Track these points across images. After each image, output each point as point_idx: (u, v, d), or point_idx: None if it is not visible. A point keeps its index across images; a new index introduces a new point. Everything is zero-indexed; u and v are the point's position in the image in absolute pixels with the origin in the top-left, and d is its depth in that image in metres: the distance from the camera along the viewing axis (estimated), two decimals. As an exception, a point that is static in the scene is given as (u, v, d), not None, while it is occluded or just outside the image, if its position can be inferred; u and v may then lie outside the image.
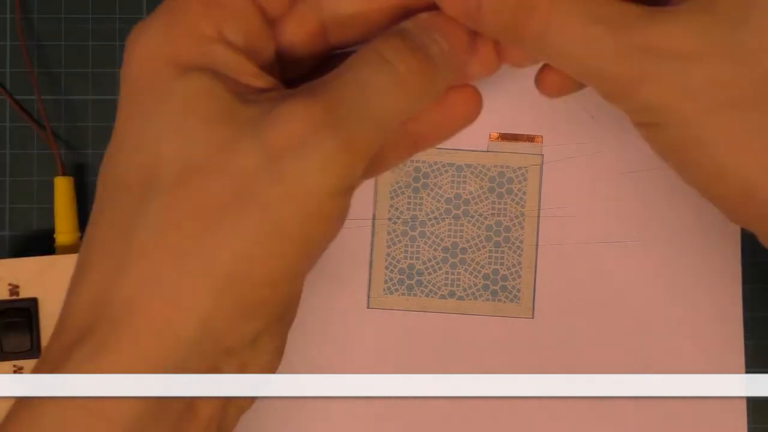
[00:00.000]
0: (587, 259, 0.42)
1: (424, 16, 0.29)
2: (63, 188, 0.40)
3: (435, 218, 0.41)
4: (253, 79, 0.28)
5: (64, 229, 0.40)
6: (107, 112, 0.42)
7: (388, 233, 0.41)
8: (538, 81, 0.32)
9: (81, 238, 0.40)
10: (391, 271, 0.41)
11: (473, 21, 0.29)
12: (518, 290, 0.41)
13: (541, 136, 0.39)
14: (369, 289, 0.41)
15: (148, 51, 0.28)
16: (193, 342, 0.26)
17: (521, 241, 0.41)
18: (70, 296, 0.27)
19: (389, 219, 0.41)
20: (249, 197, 0.26)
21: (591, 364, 0.42)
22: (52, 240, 0.40)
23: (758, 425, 0.41)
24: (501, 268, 0.41)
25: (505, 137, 0.39)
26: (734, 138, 0.27)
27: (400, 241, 0.41)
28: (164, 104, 0.27)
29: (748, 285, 0.42)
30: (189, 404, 0.27)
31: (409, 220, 0.41)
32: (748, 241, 0.42)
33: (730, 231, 0.42)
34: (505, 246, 0.41)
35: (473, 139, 0.40)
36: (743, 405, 0.41)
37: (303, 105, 0.26)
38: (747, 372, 0.41)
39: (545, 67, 0.31)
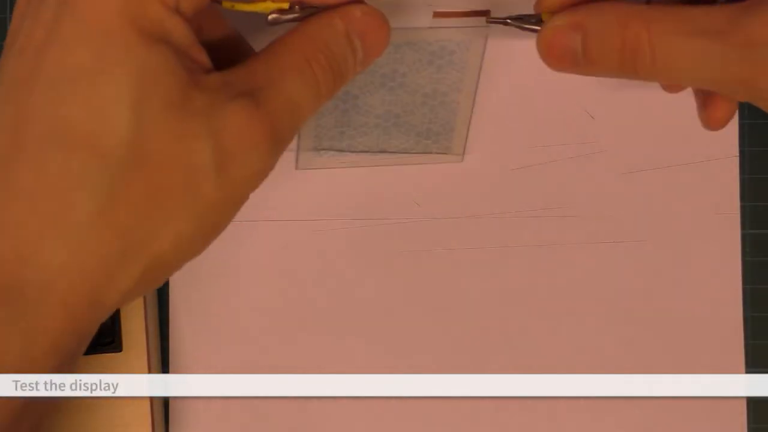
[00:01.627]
0: (587, 259, 0.42)
1: (357, 13, 0.32)
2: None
3: (369, 92, 0.40)
4: (198, 53, 0.29)
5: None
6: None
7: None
8: (705, 122, 0.36)
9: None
10: (320, 138, 0.40)
11: (582, 69, 0.32)
12: (450, 140, 0.41)
13: (489, 11, 0.36)
14: (297, 151, 0.41)
15: (112, 3, 0.27)
16: (110, 309, 0.29)
17: (457, 103, 0.40)
18: None
19: None
20: (192, 192, 0.28)
21: (591, 364, 0.42)
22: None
23: (758, 425, 0.41)
24: (434, 126, 0.40)
25: (449, 14, 0.36)
26: None
27: (330, 114, 0.40)
28: (123, 68, 0.27)
29: (748, 285, 0.42)
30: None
31: (341, 94, 0.39)
32: (748, 241, 0.42)
33: (730, 231, 0.42)
34: (440, 108, 0.40)
35: (415, 16, 0.38)
36: (743, 405, 0.41)
37: (249, 114, 0.29)
38: (747, 372, 0.41)
39: (706, 109, 0.35)
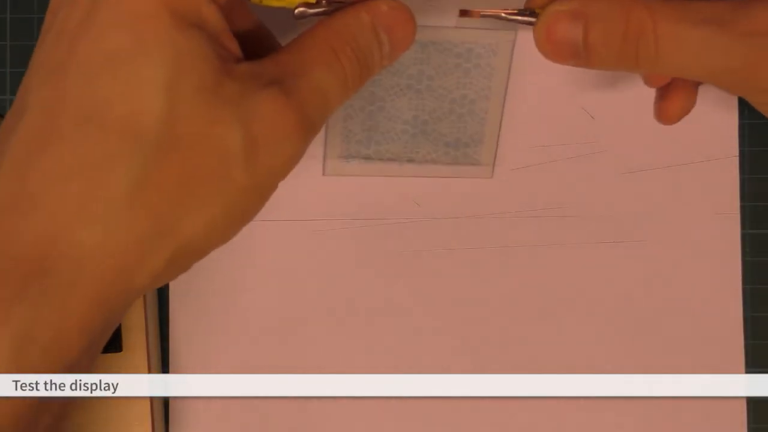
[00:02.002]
0: (587, 259, 0.42)
1: (383, 8, 0.32)
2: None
3: (396, 94, 0.40)
4: (230, 42, 0.29)
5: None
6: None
7: (345, 108, 0.40)
8: (658, 114, 0.36)
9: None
10: (348, 143, 0.41)
11: (583, 60, 0.32)
12: (479, 154, 0.41)
13: (516, 10, 0.34)
14: (325, 157, 0.41)
15: None
16: (139, 293, 0.29)
17: (486, 112, 0.40)
18: (16, 224, 0.27)
19: None
20: (223, 178, 0.28)
21: (591, 364, 0.42)
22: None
23: (758, 425, 0.41)
24: (463, 137, 0.40)
25: (475, 13, 0.35)
26: None
27: (357, 116, 0.40)
28: (158, 51, 0.27)
29: (748, 285, 0.42)
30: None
31: (367, 95, 0.40)
32: (748, 241, 0.42)
33: (730, 231, 0.42)
34: (469, 117, 0.40)
35: (440, 15, 0.39)
36: (743, 405, 0.41)
37: (280, 103, 0.29)
38: (747, 372, 0.42)
39: (662, 101, 0.35)
